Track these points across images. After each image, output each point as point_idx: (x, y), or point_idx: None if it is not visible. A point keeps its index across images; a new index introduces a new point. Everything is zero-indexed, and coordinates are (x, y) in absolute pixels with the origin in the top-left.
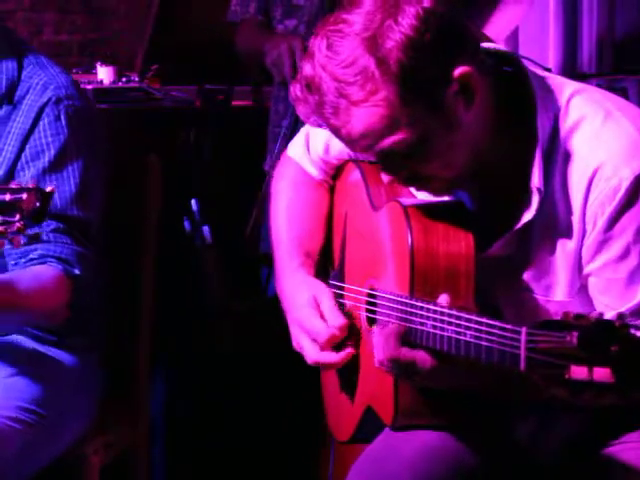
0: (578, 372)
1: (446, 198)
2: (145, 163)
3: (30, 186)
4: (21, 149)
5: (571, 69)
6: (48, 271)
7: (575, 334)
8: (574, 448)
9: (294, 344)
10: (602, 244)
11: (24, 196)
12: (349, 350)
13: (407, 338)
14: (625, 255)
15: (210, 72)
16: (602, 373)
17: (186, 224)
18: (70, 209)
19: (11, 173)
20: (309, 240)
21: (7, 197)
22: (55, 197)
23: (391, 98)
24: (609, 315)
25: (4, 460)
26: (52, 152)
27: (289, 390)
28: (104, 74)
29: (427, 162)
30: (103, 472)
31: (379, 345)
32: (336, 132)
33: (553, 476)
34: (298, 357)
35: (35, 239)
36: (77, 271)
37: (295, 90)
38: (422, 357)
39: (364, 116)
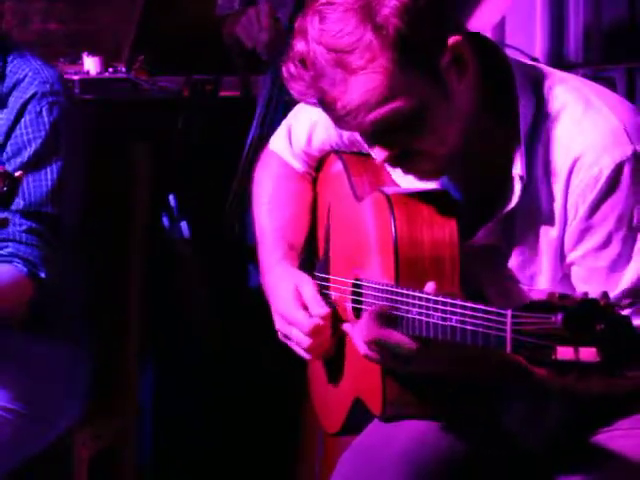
0: (564, 352)
1: (430, 186)
2: (133, 152)
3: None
4: (4, 144)
5: (558, 58)
6: (10, 270)
7: (560, 314)
8: (564, 435)
9: (279, 335)
10: (584, 232)
11: None
12: (332, 338)
13: (390, 322)
14: (607, 244)
15: (198, 62)
16: (588, 353)
17: (164, 220)
18: (45, 206)
19: None
20: (292, 232)
21: None
22: (32, 193)
23: (389, 65)
24: (593, 294)
25: None
26: (32, 148)
27: (276, 383)
28: (90, 65)
29: (422, 135)
30: (91, 463)
31: (361, 329)
32: (331, 107)
33: (544, 463)
34: (283, 350)
35: (3, 224)
36: (42, 274)
37: (288, 68)
38: (404, 339)
39: (362, 84)
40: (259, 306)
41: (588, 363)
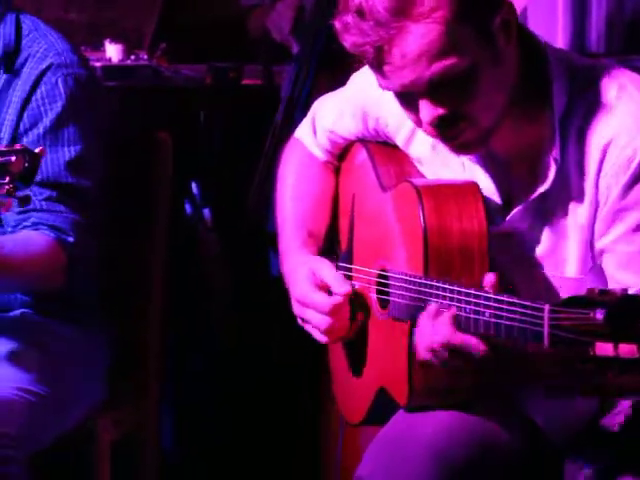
0: (603, 349)
1: (459, 177)
2: (155, 140)
3: (18, 148)
4: (20, 116)
5: (580, 49)
6: (38, 237)
7: (601, 310)
8: (590, 428)
9: (298, 321)
10: (616, 215)
11: (12, 158)
12: (358, 320)
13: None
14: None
15: (220, 50)
16: (628, 349)
17: (187, 207)
18: (65, 177)
19: (14, 141)
20: (313, 220)
21: None
22: (49, 164)
23: (449, 17)
24: (632, 291)
25: (16, 430)
26: (49, 119)
27: (295, 374)
28: (112, 52)
29: (471, 98)
30: (114, 449)
31: (429, 331)
32: (387, 59)
33: (569, 456)
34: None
35: (25, 201)
36: (71, 239)
37: (343, 20)
38: (476, 343)
39: (423, 33)
40: (280, 294)
41: (628, 359)
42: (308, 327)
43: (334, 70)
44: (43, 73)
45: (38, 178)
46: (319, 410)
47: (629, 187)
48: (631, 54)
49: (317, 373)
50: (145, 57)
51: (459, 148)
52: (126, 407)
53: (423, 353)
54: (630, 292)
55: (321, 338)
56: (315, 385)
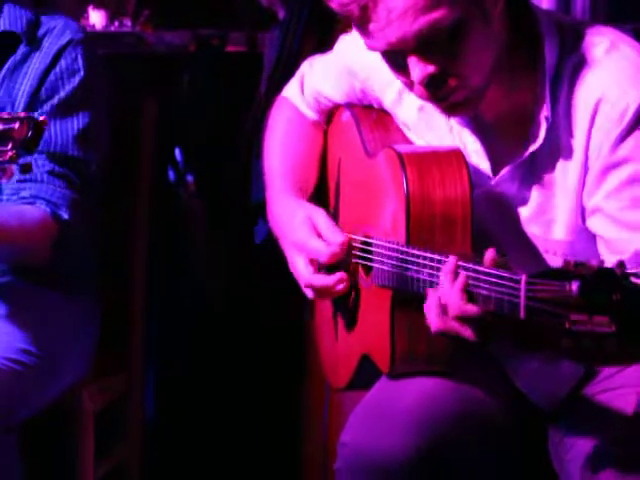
0: (578, 320)
1: (444, 143)
2: (139, 107)
3: (22, 115)
4: (38, 87)
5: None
6: (34, 211)
7: (576, 283)
8: (574, 392)
9: (290, 267)
10: (607, 171)
11: (16, 125)
12: (341, 275)
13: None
14: (631, 181)
15: (204, 17)
16: (602, 322)
17: (170, 173)
18: (71, 149)
19: (28, 110)
20: (302, 175)
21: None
22: (58, 135)
23: None
24: (609, 263)
25: (2, 400)
26: (65, 92)
27: (281, 339)
28: (96, 19)
29: (461, 55)
30: (97, 418)
31: (445, 305)
32: (373, 17)
33: (552, 420)
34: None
35: (27, 169)
36: (66, 215)
37: None
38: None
39: None
40: (265, 261)
41: (602, 332)
42: (297, 273)
43: (321, 34)
44: (64, 48)
45: (45, 149)
46: (304, 375)
47: (621, 140)
48: (616, 22)
49: (302, 339)
50: (129, 24)
51: (450, 109)
52: (111, 376)
53: (436, 324)
54: (606, 265)
55: (304, 287)
56: (300, 351)
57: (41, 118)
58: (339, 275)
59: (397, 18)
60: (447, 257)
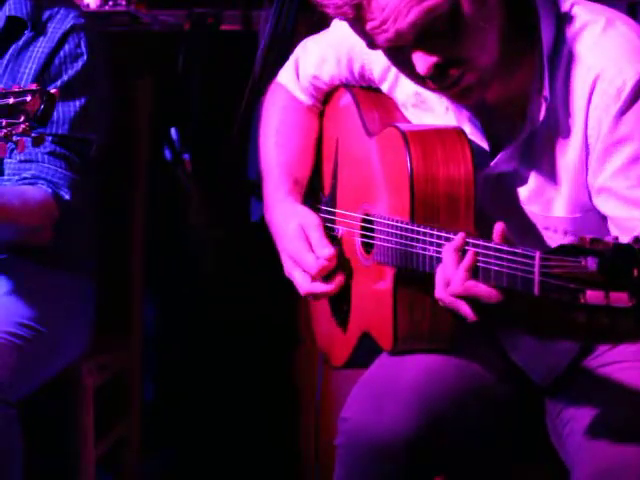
0: (594, 297)
1: (446, 122)
2: (135, 87)
3: (33, 87)
4: (42, 71)
5: None
6: (36, 191)
7: (593, 259)
8: (572, 366)
9: (286, 273)
10: (610, 149)
11: (28, 98)
12: (340, 279)
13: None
14: (636, 158)
15: None
16: (619, 297)
17: (166, 152)
18: (72, 131)
19: None
20: (298, 166)
21: (11, 100)
22: (60, 117)
23: None
24: (624, 239)
25: (3, 373)
26: (68, 75)
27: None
28: None
29: (461, 40)
30: (97, 395)
31: (446, 279)
32: (368, 16)
33: (550, 395)
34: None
35: (39, 141)
36: (67, 196)
37: None
38: (491, 291)
39: None
40: (260, 240)
41: (619, 307)
42: (295, 283)
43: (315, 14)
44: (68, 33)
45: (47, 130)
46: (297, 352)
47: (620, 118)
48: None
49: (295, 315)
50: (123, 3)
51: (462, 95)
52: (110, 352)
53: (448, 300)
54: (621, 241)
55: (305, 295)
56: (293, 327)
57: (53, 91)
58: (337, 280)
59: (391, 13)
60: (455, 234)
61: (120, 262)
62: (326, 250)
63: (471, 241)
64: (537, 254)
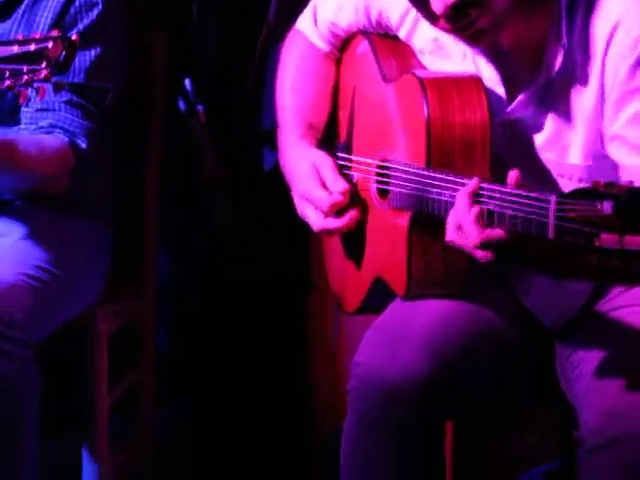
0: (608, 240)
1: (463, 69)
2: (149, 38)
3: (55, 34)
4: (57, 20)
5: None
6: (52, 140)
7: (609, 202)
8: (583, 310)
9: (299, 213)
10: (625, 97)
11: (49, 44)
12: (352, 214)
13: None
14: None
15: None
16: (633, 240)
17: (180, 103)
18: (88, 80)
19: None
20: (313, 111)
21: (32, 47)
22: (76, 66)
23: None
24: (639, 184)
25: (20, 313)
26: (84, 24)
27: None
28: None
29: None
30: (111, 340)
31: (457, 222)
32: None
33: (561, 339)
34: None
35: (60, 87)
36: (83, 145)
37: None
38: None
39: None
40: (274, 190)
41: (633, 250)
42: (308, 221)
43: None
44: None
45: (63, 79)
46: (310, 300)
47: (636, 67)
48: None
49: (309, 264)
50: None
51: (474, 37)
52: (125, 299)
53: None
54: (636, 185)
55: (319, 232)
56: (307, 276)
57: (74, 37)
58: (350, 215)
59: None
60: (470, 179)
61: (135, 212)
62: (339, 184)
63: (486, 185)
64: (552, 198)
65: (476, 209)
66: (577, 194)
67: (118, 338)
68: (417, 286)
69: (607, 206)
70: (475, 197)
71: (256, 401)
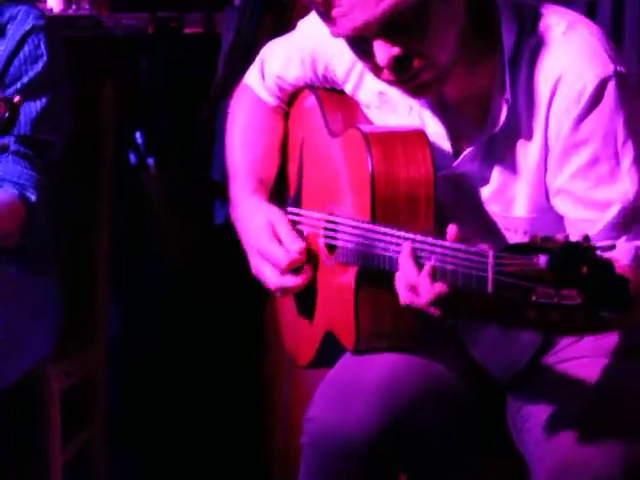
0: (544, 294)
1: (407, 123)
2: (99, 91)
3: None
4: (2, 72)
5: None
6: (1, 195)
7: (544, 256)
8: (532, 362)
9: (253, 270)
10: (570, 151)
11: None
12: (308, 273)
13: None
14: (594, 162)
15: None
16: (569, 294)
17: (131, 156)
18: (35, 132)
19: None
20: (263, 167)
21: None
22: (21, 118)
23: None
24: (575, 237)
25: None
26: (29, 76)
27: (240, 317)
28: (54, 2)
29: (424, 35)
30: (63, 399)
31: (409, 285)
32: (334, 4)
33: (511, 391)
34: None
35: (3, 149)
36: (33, 197)
37: None
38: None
39: None
40: (225, 241)
41: (569, 305)
42: (262, 277)
43: (277, 17)
44: (27, 34)
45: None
46: (267, 352)
47: (580, 121)
48: None
49: (262, 313)
50: (86, 7)
51: (418, 90)
52: (76, 357)
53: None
54: (572, 239)
55: (276, 293)
56: (264, 328)
57: (16, 99)
58: (307, 273)
59: (360, 2)
60: (415, 234)
61: (85, 266)
62: (297, 244)
63: (426, 240)
64: (490, 252)
65: (428, 267)
66: (515, 248)
67: (70, 395)
68: (366, 340)
69: (543, 260)
70: (416, 256)
71: (211, 451)
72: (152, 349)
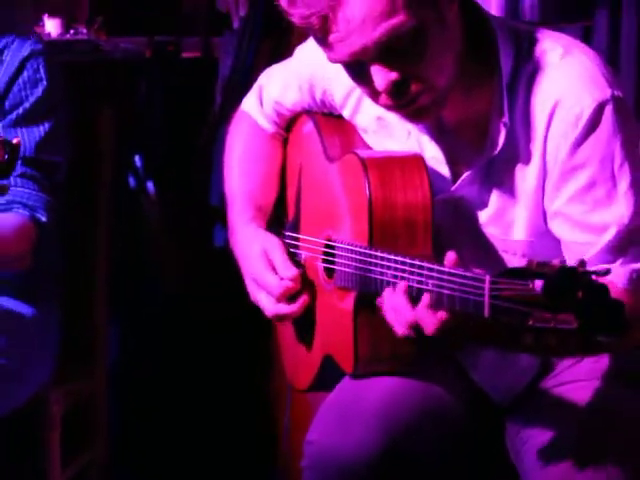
0: (541, 318)
1: (404, 148)
2: (97, 115)
3: None
4: (2, 99)
5: (514, 17)
6: (12, 217)
7: (539, 282)
8: (530, 386)
9: (251, 298)
10: (567, 175)
11: None
12: (304, 299)
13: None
14: (591, 185)
15: (158, 24)
16: (565, 319)
17: (130, 180)
18: (40, 153)
19: None
20: (261, 193)
21: None
22: (26, 142)
23: None
24: (571, 262)
25: None
26: (29, 102)
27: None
28: (51, 27)
29: (422, 60)
30: (64, 422)
31: (410, 322)
32: (333, 28)
33: (510, 414)
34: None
35: (3, 191)
36: (44, 218)
37: None
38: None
39: None
40: (224, 265)
41: (565, 329)
42: (261, 305)
43: (276, 43)
44: (26, 59)
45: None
46: (267, 376)
47: (578, 145)
48: (564, 23)
49: (265, 339)
50: (84, 31)
51: (416, 114)
52: (76, 380)
53: (401, 331)
54: (568, 263)
55: (273, 320)
56: (263, 352)
57: (15, 141)
58: (302, 300)
59: (357, 27)
60: (412, 259)
61: (84, 290)
62: (289, 271)
63: (423, 264)
64: (487, 277)
65: (426, 300)
66: (511, 273)
67: (71, 417)
68: (364, 365)
69: (538, 285)
70: (410, 293)
71: (214, 472)
72: (152, 371)
